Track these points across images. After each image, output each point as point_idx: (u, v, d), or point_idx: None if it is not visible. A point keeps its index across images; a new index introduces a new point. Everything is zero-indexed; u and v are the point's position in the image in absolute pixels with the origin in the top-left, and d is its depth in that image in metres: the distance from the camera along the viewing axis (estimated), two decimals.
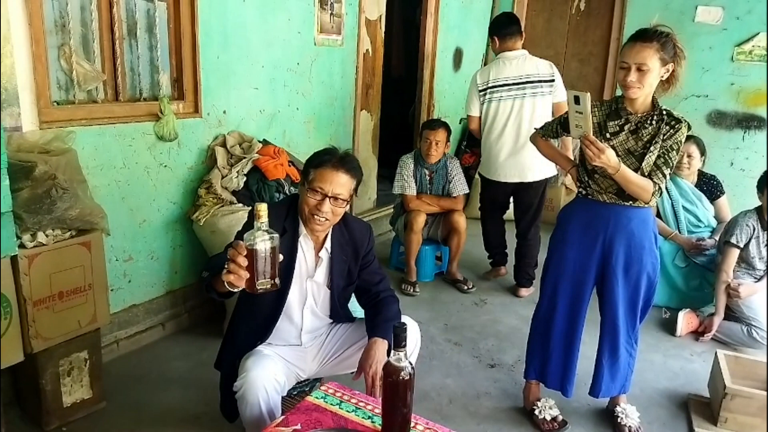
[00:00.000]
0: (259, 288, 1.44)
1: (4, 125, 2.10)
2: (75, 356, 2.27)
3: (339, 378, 2.03)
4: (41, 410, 2.22)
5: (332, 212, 1.86)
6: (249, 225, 1.66)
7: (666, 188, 2.45)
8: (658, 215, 3.57)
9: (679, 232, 3.55)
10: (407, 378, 1.42)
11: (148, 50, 2.77)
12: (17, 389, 2.33)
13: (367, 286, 2.10)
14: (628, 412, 2.41)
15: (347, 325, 2.15)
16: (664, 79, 2.07)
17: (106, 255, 2.35)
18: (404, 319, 2.03)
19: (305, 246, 1.96)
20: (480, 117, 3.60)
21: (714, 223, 3.60)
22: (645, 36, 2.01)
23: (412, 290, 3.71)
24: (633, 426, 2.37)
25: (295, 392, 2.14)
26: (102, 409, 2.38)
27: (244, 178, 2.98)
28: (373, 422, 1.57)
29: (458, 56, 5.40)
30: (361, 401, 1.67)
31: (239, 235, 1.73)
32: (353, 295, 2.17)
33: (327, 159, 1.87)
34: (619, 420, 2.40)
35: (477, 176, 4.06)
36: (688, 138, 2.72)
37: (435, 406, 2.53)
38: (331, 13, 3.75)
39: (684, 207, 3.56)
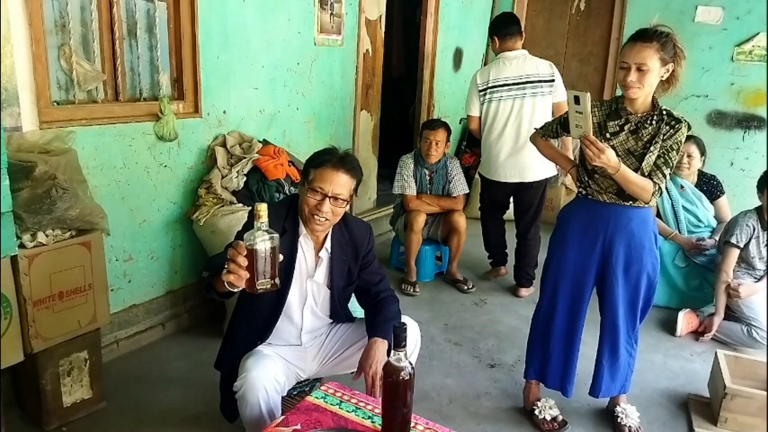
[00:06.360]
0: (259, 288, 1.44)
1: (4, 125, 2.10)
2: (75, 356, 2.27)
3: (339, 378, 2.03)
4: (41, 410, 2.22)
5: (332, 212, 1.86)
6: (249, 225, 1.66)
7: (666, 188, 2.45)
8: (658, 215, 3.57)
9: (679, 232, 3.55)
10: (407, 378, 1.42)
11: (148, 50, 2.77)
12: (17, 389, 2.33)
13: (367, 286, 2.10)
14: (628, 412, 2.41)
15: (347, 325, 2.15)
16: (664, 79, 2.07)
17: (106, 255, 2.35)
18: (404, 319, 2.03)
19: (305, 246, 1.96)
20: (480, 117, 3.60)
21: (714, 223, 3.60)
22: (645, 36, 2.01)
23: (412, 290, 3.71)
24: (633, 426, 2.37)
25: (295, 392, 2.14)
26: (102, 409, 2.38)
27: (244, 178, 2.98)
28: (373, 422, 1.57)
29: (458, 56, 5.40)
30: (361, 401, 1.67)
31: (239, 235, 1.73)
32: (353, 295, 2.17)
33: (327, 159, 1.87)
34: (619, 420, 2.40)
35: (477, 176, 4.06)
36: (688, 138, 2.72)
37: (435, 406, 2.53)
38: (331, 13, 3.75)
39: (684, 207, 3.56)
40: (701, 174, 3.64)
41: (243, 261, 1.43)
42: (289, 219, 1.92)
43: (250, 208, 2.54)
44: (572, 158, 2.80)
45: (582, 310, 2.35)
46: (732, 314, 3.25)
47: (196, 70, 2.90)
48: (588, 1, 5.44)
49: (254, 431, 1.79)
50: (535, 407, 2.44)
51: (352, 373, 1.95)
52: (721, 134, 4.93)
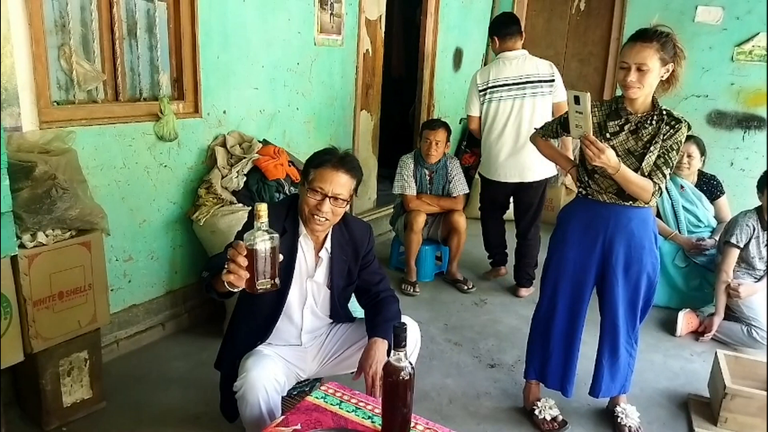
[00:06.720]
0: (259, 288, 1.44)
1: (4, 125, 2.10)
2: (75, 356, 2.27)
3: (339, 378, 2.03)
4: (41, 410, 2.22)
5: (332, 212, 1.86)
6: (249, 225, 1.66)
7: (666, 188, 2.45)
8: (658, 215, 3.57)
9: (679, 232, 3.55)
10: (407, 378, 1.42)
11: (148, 50, 2.77)
12: (17, 389, 2.33)
13: (367, 286, 2.10)
14: (628, 412, 2.41)
15: (347, 325, 2.15)
16: (664, 79, 2.07)
17: (106, 255, 2.35)
18: (404, 319, 2.03)
19: (305, 246, 1.96)
20: (480, 117, 3.60)
21: (714, 223, 3.60)
22: (645, 36, 2.01)
23: (412, 290, 3.71)
24: (633, 426, 2.37)
25: (295, 392, 2.14)
26: (102, 409, 2.38)
27: (244, 178, 2.98)
28: (373, 422, 1.57)
29: (458, 56, 5.40)
30: (361, 401, 1.67)
31: (239, 235, 1.73)
32: (353, 295, 2.17)
33: (327, 159, 1.87)
34: (619, 420, 2.40)
35: (477, 176, 4.06)
36: (688, 138, 2.72)
37: (435, 406, 2.53)
38: (331, 13, 3.75)
39: (684, 207, 3.56)
40: (701, 174, 3.64)
41: (243, 261, 1.43)
42: (289, 219, 1.92)
43: (250, 208, 2.54)
44: (572, 158, 2.80)
45: (582, 310, 2.35)
46: (732, 314, 3.25)
47: (196, 70, 2.90)
48: (588, 1, 5.44)
49: (254, 431, 1.79)
50: (535, 407, 2.44)
51: (352, 373, 1.95)
52: (721, 134, 4.93)
